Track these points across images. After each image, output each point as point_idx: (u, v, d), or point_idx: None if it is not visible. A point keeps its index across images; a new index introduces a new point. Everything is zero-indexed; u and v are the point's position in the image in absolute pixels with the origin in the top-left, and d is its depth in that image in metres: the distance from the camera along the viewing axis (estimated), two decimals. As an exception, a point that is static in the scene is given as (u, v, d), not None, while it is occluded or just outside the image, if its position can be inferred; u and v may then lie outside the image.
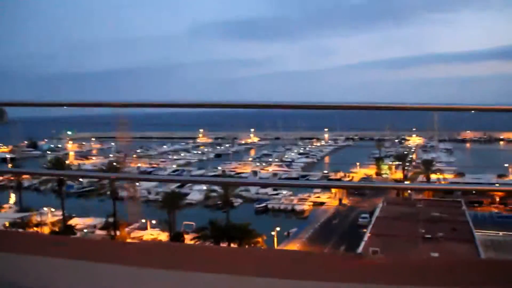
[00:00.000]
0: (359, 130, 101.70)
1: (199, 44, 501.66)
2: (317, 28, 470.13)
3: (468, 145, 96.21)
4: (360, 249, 25.39)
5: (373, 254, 20.20)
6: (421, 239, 25.99)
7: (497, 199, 41.39)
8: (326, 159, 76.76)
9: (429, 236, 26.22)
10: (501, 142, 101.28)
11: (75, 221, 37.06)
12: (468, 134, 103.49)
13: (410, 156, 63.77)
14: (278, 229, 33.96)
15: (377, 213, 32.94)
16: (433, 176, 46.30)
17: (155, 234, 35.20)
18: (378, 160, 60.13)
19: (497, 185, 21.37)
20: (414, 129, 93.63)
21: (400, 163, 53.87)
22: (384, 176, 56.90)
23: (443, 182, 45.59)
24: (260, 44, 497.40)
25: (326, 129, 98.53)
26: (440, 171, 47.56)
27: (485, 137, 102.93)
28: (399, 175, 53.80)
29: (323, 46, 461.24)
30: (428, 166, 46.62)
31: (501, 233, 30.32)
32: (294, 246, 32.21)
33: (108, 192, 39.10)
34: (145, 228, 36.45)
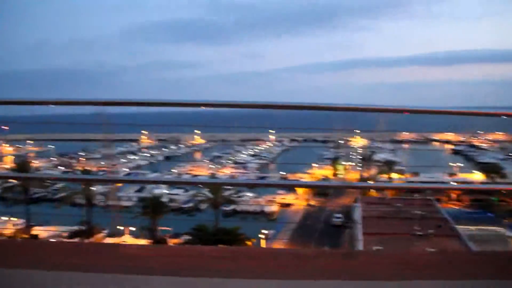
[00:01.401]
0: (301, 131, 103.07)
1: (135, 46, 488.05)
2: (251, 33, 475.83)
3: (406, 145, 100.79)
4: (358, 249, 25.73)
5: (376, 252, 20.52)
6: (413, 236, 26.77)
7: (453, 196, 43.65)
8: (277, 160, 77.27)
9: (420, 233, 27.07)
10: (435, 143, 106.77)
11: (37, 230, 34.39)
12: (406, 135, 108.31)
13: (374, 157, 65.71)
14: (266, 232, 33.68)
15: (359, 213, 33.49)
16: (394, 176, 48.02)
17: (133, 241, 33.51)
18: (335, 161, 61.38)
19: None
20: (357, 130, 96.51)
21: (364, 163, 55.39)
22: (339, 176, 58.11)
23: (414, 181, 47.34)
24: (197, 46, 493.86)
25: (271, 130, 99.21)
26: (401, 171, 49.48)
27: (421, 138, 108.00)
28: (356, 175, 55.23)
29: (255, 49, 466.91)
30: (389, 166, 48.34)
31: (473, 228, 31.92)
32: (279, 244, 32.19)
33: (78, 198, 36.71)
34: (122, 235, 34.50)
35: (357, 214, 33.68)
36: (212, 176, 55.55)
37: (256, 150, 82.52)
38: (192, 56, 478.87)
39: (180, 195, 45.04)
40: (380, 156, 63.30)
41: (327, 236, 34.32)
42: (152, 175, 52.28)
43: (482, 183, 45.95)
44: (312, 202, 45.28)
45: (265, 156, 76.81)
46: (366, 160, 56.73)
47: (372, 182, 42.53)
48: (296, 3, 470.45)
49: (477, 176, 54.41)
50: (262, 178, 54.56)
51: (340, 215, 38.44)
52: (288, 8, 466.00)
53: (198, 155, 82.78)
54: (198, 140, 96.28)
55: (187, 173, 57.85)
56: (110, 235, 34.23)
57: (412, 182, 46.75)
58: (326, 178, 55.52)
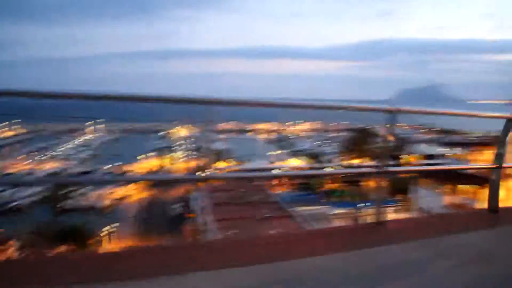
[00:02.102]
0: (124, 121, 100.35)
1: None
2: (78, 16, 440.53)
3: (225, 135, 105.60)
4: (210, 236, 26.85)
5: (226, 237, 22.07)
6: (254, 220, 28.94)
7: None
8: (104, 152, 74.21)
9: (260, 217, 29.44)
10: (250, 133, 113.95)
11: None
12: (225, 125, 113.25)
13: (213, 147, 67.10)
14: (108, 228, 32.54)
15: (201, 201, 34.62)
16: (224, 165, 50.46)
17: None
18: (165, 151, 61.73)
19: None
20: (179, 121, 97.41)
21: (199, 153, 56.66)
22: (170, 167, 58.82)
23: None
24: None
25: (94, 121, 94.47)
26: (234, 159, 52.17)
27: (239, 128, 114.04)
28: (187, 165, 56.47)
29: (78, 34, 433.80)
30: (219, 155, 50.69)
31: (302, 208, 35.68)
32: (122, 243, 31.54)
33: None
34: None
35: (199, 203, 34.84)
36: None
37: (79, 142, 77.99)
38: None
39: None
40: (210, 146, 65.47)
41: (168, 227, 34.73)
42: None
43: (310, 168, 51.17)
44: (149, 193, 45.14)
45: (88, 148, 73.13)
46: (202, 149, 58.33)
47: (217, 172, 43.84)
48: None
49: (297, 162, 60.63)
50: (90, 172, 52.32)
51: (179, 205, 39.15)
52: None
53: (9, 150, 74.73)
54: (7, 132, 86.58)
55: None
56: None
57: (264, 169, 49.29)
58: (161, 169, 55.73)
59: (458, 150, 74.80)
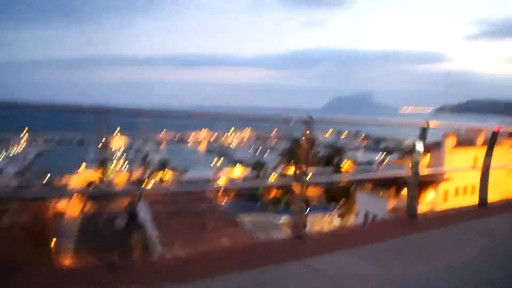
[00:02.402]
0: (59, 131, 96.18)
1: None
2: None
3: (164, 144, 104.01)
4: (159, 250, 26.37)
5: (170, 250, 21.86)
6: (204, 230, 28.78)
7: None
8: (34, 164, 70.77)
9: (209, 227, 29.31)
10: (191, 142, 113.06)
11: None
12: (164, 135, 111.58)
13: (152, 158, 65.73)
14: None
15: (147, 213, 33.93)
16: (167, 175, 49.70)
17: None
18: (103, 163, 59.68)
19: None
20: (117, 131, 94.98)
21: (141, 164, 55.53)
22: (109, 179, 57.03)
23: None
24: None
25: (26, 132, 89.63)
26: (173, 169, 51.55)
27: (177, 138, 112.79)
28: (126, 177, 55.09)
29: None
30: (163, 166, 50.00)
31: (249, 217, 35.92)
32: (66, 259, 30.20)
33: None
34: None
35: (144, 215, 34.10)
36: None
37: (10, 154, 73.81)
38: None
39: None
40: (151, 156, 64.53)
41: (113, 241, 33.64)
42: None
43: (254, 177, 51.31)
44: (89, 207, 43.41)
45: (21, 160, 69.48)
46: (144, 160, 57.31)
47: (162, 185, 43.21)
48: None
49: (237, 171, 60.80)
50: (24, 186, 49.77)
51: (123, 218, 37.94)
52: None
53: None
54: None
55: None
56: None
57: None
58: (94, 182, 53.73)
59: (392, 156, 78.58)
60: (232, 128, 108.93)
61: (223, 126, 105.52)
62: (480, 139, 32.75)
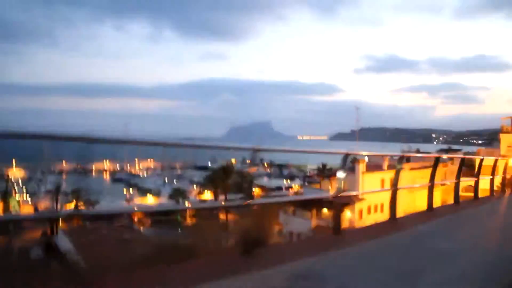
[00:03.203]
0: None
1: None
2: None
3: (64, 175, 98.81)
4: None
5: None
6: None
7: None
8: None
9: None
10: (93, 173, 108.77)
11: None
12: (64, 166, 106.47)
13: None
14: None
15: (67, 242, 32.82)
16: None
17: None
18: (5, 195, 56.15)
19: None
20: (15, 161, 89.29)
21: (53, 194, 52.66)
22: (13, 210, 53.83)
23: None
24: None
25: None
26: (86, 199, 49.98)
27: (80, 167, 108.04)
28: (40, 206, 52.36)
29: None
30: (78, 194, 48.25)
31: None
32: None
33: None
34: None
35: (65, 244, 32.94)
36: None
37: None
38: None
39: None
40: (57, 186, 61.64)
41: (29, 273, 32.08)
42: None
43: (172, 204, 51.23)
44: (-2, 241, 40.67)
45: None
46: (57, 190, 54.44)
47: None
48: None
49: (151, 199, 60.47)
50: None
51: (39, 249, 36.16)
52: None
53: None
54: None
55: None
56: None
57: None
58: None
59: (295, 182, 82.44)
60: (136, 158, 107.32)
61: (127, 155, 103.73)
62: (385, 164, 36.85)
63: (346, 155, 6.44)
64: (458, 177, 11.22)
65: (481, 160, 13.71)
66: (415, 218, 9.59)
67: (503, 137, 46.71)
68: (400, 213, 8.84)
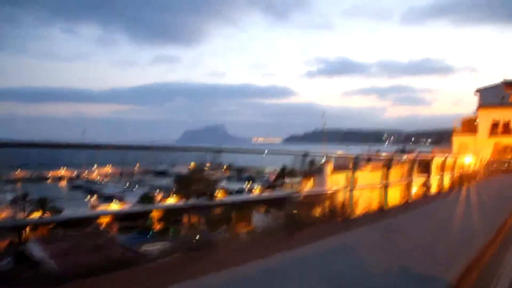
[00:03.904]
0: None
1: None
2: None
3: (18, 184, 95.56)
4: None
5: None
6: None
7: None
8: None
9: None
10: (49, 180, 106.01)
11: None
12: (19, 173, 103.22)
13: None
14: None
15: (41, 251, 32.81)
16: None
17: None
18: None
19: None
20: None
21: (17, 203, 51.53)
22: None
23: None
24: None
25: None
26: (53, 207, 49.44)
27: (34, 175, 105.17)
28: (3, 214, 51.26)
29: None
30: (45, 202, 47.78)
31: (150, 247, 36.74)
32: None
33: None
34: None
35: (38, 252, 32.91)
36: None
37: None
38: None
39: None
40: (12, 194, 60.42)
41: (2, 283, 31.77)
42: None
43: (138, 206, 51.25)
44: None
45: None
46: (23, 198, 53.27)
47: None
48: None
49: (115, 206, 60.15)
50: None
51: (6, 259, 35.65)
52: None
53: None
54: None
55: None
56: None
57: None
58: None
59: (254, 184, 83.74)
60: (96, 164, 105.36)
61: (84, 161, 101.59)
62: (350, 164, 39.17)
63: (304, 156, 6.44)
64: (409, 175, 11.88)
65: (432, 159, 15.22)
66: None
67: (455, 138, 50.29)
68: (360, 210, 10.01)
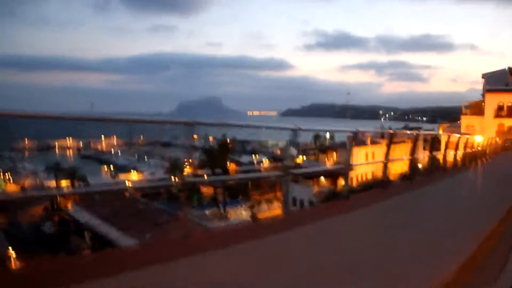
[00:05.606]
0: None
1: None
2: None
3: (27, 153, 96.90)
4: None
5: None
6: (158, 224, 31.71)
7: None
8: None
9: (160, 221, 32.33)
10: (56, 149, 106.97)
11: None
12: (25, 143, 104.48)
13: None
14: None
15: (84, 215, 35.02)
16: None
17: None
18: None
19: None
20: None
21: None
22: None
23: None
24: None
25: None
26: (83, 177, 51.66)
27: (42, 145, 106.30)
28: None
29: None
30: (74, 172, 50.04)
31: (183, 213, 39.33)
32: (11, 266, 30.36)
33: None
34: None
35: (83, 216, 35.18)
36: None
37: None
38: None
39: None
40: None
41: (46, 248, 33.22)
42: None
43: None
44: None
45: None
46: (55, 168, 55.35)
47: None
48: None
49: (134, 176, 62.75)
50: None
51: (48, 225, 37.63)
52: None
53: None
54: None
55: None
56: None
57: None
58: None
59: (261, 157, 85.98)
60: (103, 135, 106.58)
61: (92, 132, 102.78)
62: (368, 140, 42.53)
63: (295, 130, 6.13)
64: (412, 153, 11.81)
65: (449, 137, 17.24)
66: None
67: (463, 118, 56.97)
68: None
